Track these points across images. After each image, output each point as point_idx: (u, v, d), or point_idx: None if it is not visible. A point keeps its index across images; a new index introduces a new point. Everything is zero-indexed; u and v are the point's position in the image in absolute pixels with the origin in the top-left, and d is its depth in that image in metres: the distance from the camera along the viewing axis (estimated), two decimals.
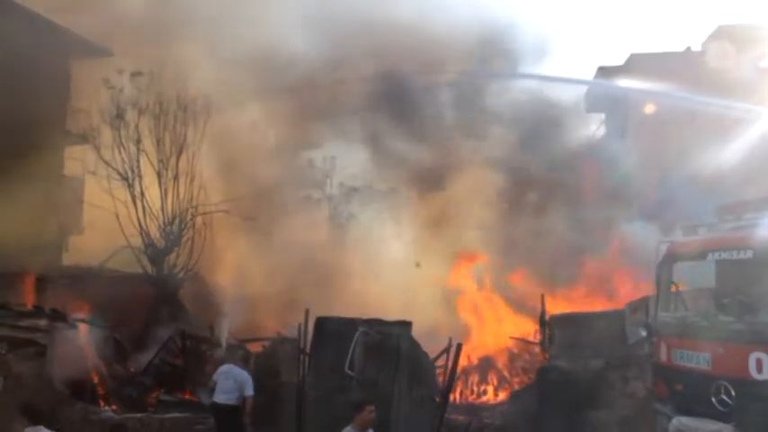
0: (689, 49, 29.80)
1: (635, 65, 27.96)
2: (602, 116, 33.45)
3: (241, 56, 18.24)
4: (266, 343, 13.31)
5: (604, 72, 29.98)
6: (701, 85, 22.82)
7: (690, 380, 9.16)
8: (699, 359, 9.05)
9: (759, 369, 8.13)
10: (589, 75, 31.77)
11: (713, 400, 8.65)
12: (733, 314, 8.92)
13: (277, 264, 17.21)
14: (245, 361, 11.57)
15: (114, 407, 12.74)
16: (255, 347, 14.03)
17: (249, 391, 10.51)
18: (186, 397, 13.51)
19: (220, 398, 10.59)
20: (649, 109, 24.78)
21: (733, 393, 8.45)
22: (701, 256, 9.88)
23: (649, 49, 40.03)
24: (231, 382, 10.56)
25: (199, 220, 17.00)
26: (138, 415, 12.30)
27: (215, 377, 10.79)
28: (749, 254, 8.78)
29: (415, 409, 10.51)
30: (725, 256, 9.37)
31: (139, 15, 18.33)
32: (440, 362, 11.94)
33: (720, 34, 27.93)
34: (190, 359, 14.27)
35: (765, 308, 8.45)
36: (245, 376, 10.65)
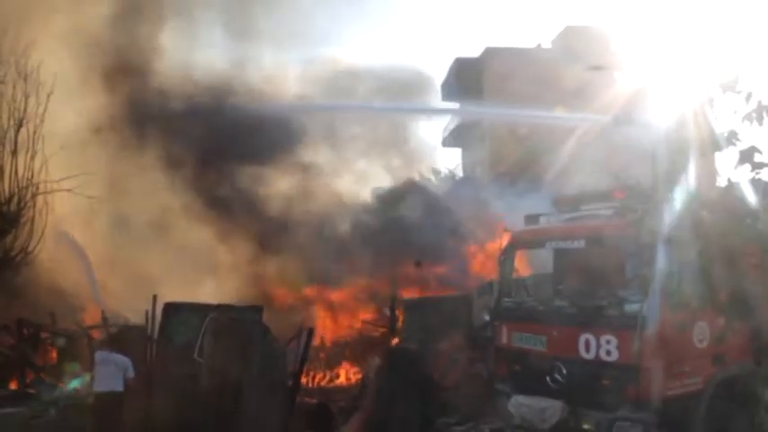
0: (539, 45, 31.50)
1: (490, 57, 29.24)
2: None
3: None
4: (111, 330, 12.68)
5: (460, 63, 31.10)
6: (549, 81, 24.18)
7: (528, 361, 9.73)
8: (536, 341, 9.64)
9: (587, 349, 8.78)
10: (446, 64, 32.89)
11: (547, 378, 9.25)
12: (566, 299, 9.60)
13: (125, 246, 16.45)
14: (116, 342, 10.95)
15: None
16: (98, 335, 13.35)
17: (131, 374, 10.14)
18: (22, 389, 12.63)
19: (102, 385, 10.05)
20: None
21: (564, 372, 9.09)
22: (541, 244, 10.54)
23: (504, 43, 41.91)
24: (113, 368, 10.07)
25: (40, 199, 15.91)
26: None
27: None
28: (581, 243, 9.45)
29: (266, 395, 10.49)
30: (561, 244, 10.08)
31: None
32: (292, 346, 11.94)
33: (567, 34, 29.72)
34: (27, 348, 13.39)
35: (594, 293, 9.11)
36: (126, 359, 10.19)
